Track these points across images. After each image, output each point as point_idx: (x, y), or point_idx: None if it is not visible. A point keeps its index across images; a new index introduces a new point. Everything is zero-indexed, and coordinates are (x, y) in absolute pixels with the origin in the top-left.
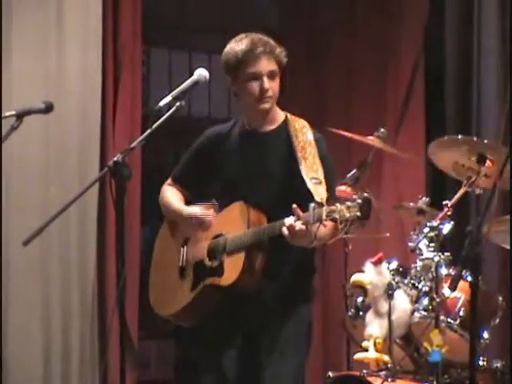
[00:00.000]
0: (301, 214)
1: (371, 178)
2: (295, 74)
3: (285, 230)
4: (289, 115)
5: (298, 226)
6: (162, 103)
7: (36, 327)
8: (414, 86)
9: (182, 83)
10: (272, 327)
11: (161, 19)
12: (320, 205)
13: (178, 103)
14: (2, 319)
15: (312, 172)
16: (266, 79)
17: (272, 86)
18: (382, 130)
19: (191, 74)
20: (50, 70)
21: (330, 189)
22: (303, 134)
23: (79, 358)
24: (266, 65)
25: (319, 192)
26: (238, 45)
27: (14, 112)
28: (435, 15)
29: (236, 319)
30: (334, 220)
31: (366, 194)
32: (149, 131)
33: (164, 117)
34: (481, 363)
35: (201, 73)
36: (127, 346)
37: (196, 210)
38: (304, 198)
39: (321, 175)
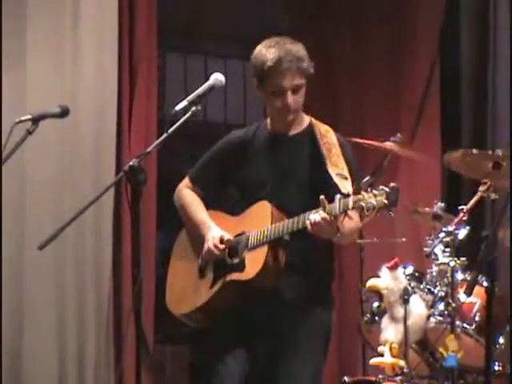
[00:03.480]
0: (327, 204)
1: (387, 183)
2: (308, 80)
3: (311, 219)
4: (313, 120)
5: (323, 214)
6: (177, 108)
7: (51, 332)
8: (429, 90)
9: (198, 88)
10: (289, 328)
11: (176, 24)
12: (346, 196)
13: (193, 108)
14: (18, 324)
15: (337, 168)
16: (289, 94)
17: (295, 99)
18: (399, 134)
19: (207, 79)
20: (66, 75)
21: (355, 185)
22: (328, 137)
23: (95, 362)
24: (290, 80)
25: (345, 186)
26: (266, 54)
27: (29, 116)
28: (450, 17)
29: (252, 318)
30: (360, 208)
31: (393, 184)
32: (165, 136)
33: (180, 121)
34: (496, 368)
35: (217, 77)
36: (143, 351)
37: (216, 240)
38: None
39: (346, 172)
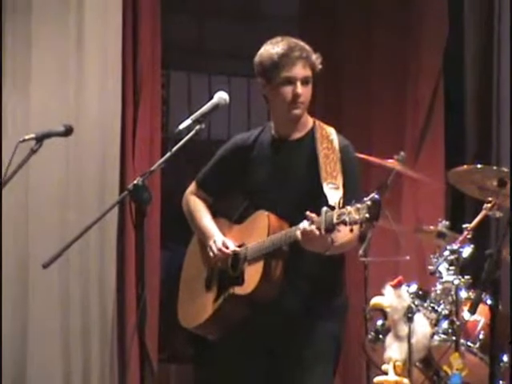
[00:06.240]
0: (315, 218)
1: (391, 200)
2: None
3: (298, 234)
4: (317, 122)
5: (310, 228)
6: (181, 126)
7: (56, 351)
8: (433, 110)
9: (202, 106)
10: (295, 342)
11: (180, 43)
12: (332, 209)
13: (197, 126)
14: (22, 344)
15: (331, 178)
16: (299, 84)
17: (304, 92)
18: (402, 153)
19: (211, 97)
20: (70, 95)
21: (347, 193)
22: (329, 141)
23: (99, 383)
24: (301, 70)
25: (333, 197)
26: (274, 47)
27: (33, 135)
28: (455, 37)
29: (259, 333)
30: (344, 223)
31: (376, 196)
32: (168, 154)
33: (184, 140)
34: None
35: (221, 96)
36: (147, 370)
37: (219, 244)
38: (325, 205)
39: (340, 181)
